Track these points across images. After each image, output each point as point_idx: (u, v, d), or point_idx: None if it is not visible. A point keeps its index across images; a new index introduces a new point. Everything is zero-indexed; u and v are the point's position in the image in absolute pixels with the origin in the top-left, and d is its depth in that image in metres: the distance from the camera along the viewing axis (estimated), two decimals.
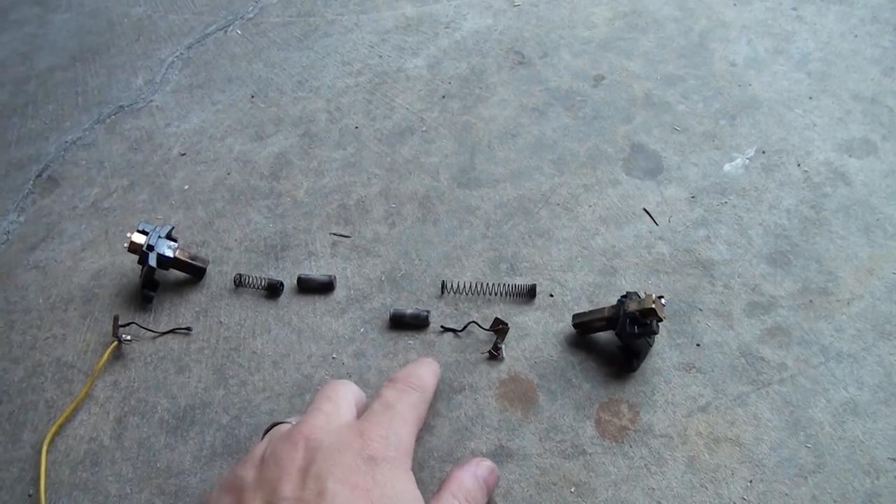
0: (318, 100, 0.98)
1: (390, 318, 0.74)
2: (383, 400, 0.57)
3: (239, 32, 1.10)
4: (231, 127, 0.95)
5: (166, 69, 1.05)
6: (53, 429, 0.67)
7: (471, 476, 0.58)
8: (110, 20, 1.14)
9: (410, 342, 0.73)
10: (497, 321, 0.72)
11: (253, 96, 0.99)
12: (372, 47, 1.05)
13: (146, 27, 1.12)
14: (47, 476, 0.65)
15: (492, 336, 0.72)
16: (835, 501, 0.60)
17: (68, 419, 0.69)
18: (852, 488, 0.61)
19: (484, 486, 0.58)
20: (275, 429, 0.57)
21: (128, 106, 1.00)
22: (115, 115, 0.99)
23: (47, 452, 0.66)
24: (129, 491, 0.64)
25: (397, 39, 1.06)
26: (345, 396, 0.58)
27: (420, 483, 0.62)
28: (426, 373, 0.62)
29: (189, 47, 1.08)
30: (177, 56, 1.07)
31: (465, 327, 0.73)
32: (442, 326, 0.74)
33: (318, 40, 1.07)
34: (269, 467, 0.51)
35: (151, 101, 1.00)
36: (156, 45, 1.09)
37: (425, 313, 0.74)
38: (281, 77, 1.02)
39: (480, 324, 0.72)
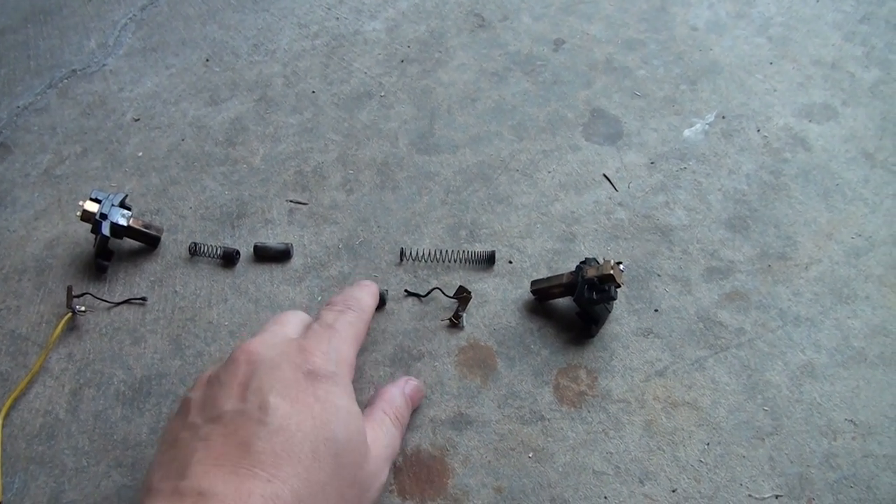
0: (274, 64, 0.96)
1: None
2: (323, 321, 0.59)
3: None
4: (185, 91, 0.93)
5: (119, 31, 1.02)
6: (8, 402, 0.66)
7: (400, 393, 0.61)
8: None
9: None
10: (461, 289, 0.71)
11: (207, 60, 0.97)
12: (329, 9, 1.03)
13: None
14: (3, 450, 0.64)
15: (451, 303, 0.72)
16: (792, 462, 0.61)
17: (23, 392, 0.68)
18: (809, 449, 0.62)
19: (410, 403, 0.62)
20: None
21: (80, 70, 0.97)
22: (67, 79, 0.96)
23: (2, 426, 0.65)
24: (86, 464, 0.63)
25: (355, 1, 1.04)
26: (291, 321, 0.59)
27: None
28: (364, 294, 0.64)
29: (143, 9, 1.05)
30: (130, 18, 1.04)
31: (429, 293, 0.72)
32: (406, 291, 0.73)
33: (274, 2, 1.05)
34: (212, 385, 0.52)
35: (104, 64, 0.98)
36: (109, 6, 1.06)
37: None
38: (236, 40, 1.00)
39: (444, 290, 0.72)
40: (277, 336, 0.56)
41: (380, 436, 0.56)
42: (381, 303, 0.66)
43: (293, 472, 0.46)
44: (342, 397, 0.52)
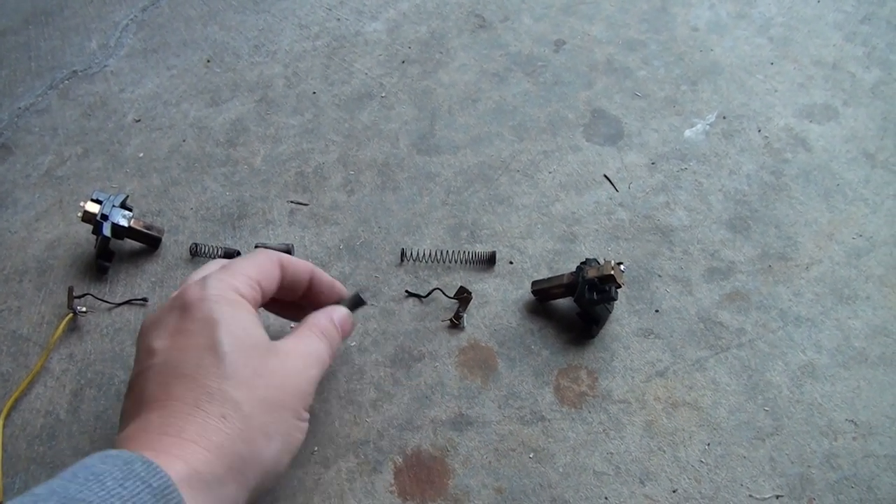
0: (275, 64, 0.96)
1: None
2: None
3: None
4: (186, 92, 0.93)
5: (121, 32, 1.02)
6: (9, 403, 0.66)
7: (326, 317, 0.60)
8: None
9: (370, 310, 0.72)
10: (461, 289, 0.71)
11: (209, 61, 0.97)
12: (330, 10, 1.03)
13: None
14: (4, 450, 0.64)
15: (452, 303, 0.72)
16: (792, 463, 0.61)
17: (24, 393, 0.68)
18: (810, 450, 0.62)
19: (339, 328, 0.60)
20: None
21: (81, 71, 0.97)
22: (68, 80, 0.96)
23: (3, 427, 0.65)
24: None
25: (356, 2, 1.04)
26: (244, 269, 0.58)
27: (379, 451, 0.63)
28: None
29: (144, 10, 1.05)
30: (131, 19, 1.04)
31: (430, 294, 0.72)
32: (407, 291, 0.73)
33: (275, 3, 1.05)
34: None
35: (106, 65, 0.98)
36: (110, 7, 1.06)
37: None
38: (237, 41, 1.00)
39: (444, 291, 0.72)
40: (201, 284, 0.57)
41: (301, 343, 0.56)
42: (359, 303, 0.65)
43: (182, 387, 0.48)
44: (223, 309, 0.52)
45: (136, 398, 0.50)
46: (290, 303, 0.65)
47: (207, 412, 0.47)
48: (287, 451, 0.52)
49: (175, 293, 0.56)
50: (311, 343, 0.57)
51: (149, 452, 0.44)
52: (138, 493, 0.41)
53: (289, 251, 0.75)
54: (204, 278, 0.55)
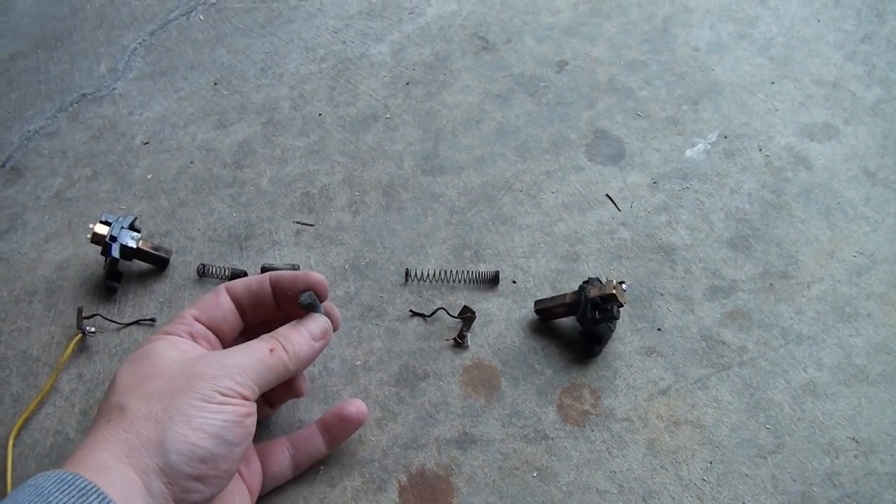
0: (281, 87, 0.97)
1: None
2: None
3: (202, 18, 1.09)
4: (194, 115, 0.95)
5: (129, 56, 1.04)
6: (19, 422, 0.67)
7: (293, 329, 0.59)
8: (73, 5, 1.13)
9: (375, 330, 0.73)
10: (465, 309, 0.72)
11: (216, 83, 0.98)
12: (335, 33, 1.04)
13: (108, 13, 1.11)
14: (14, 470, 0.65)
15: (456, 323, 0.73)
16: (794, 481, 0.61)
17: (34, 412, 0.69)
18: (812, 468, 0.62)
19: (309, 340, 0.59)
20: None
21: (90, 94, 0.99)
22: (77, 103, 0.98)
23: (13, 446, 0.66)
24: None
25: (361, 25, 1.05)
26: (183, 312, 0.61)
27: (383, 470, 0.63)
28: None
29: (152, 33, 1.07)
30: (139, 43, 1.05)
31: (434, 313, 0.73)
32: (411, 311, 0.74)
33: (282, 26, 1.06)
34: None
35: (114, 88, 0.99)
36: (118, 31, 1.08)
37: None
38: (244, 64, 1.01)
39: (448, 311, 0.73)
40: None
41: (241, 351, 0.55)
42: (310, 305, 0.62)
43: (98, 415, 0.52)
44: (135, 353, 0.56)
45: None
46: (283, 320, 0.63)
47: (97, 423, 0.51)
48: (199, 429, 0.50)
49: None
50: (246, 346, 0.57)
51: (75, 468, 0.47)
52: None
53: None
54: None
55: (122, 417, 0.50)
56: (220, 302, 0.61)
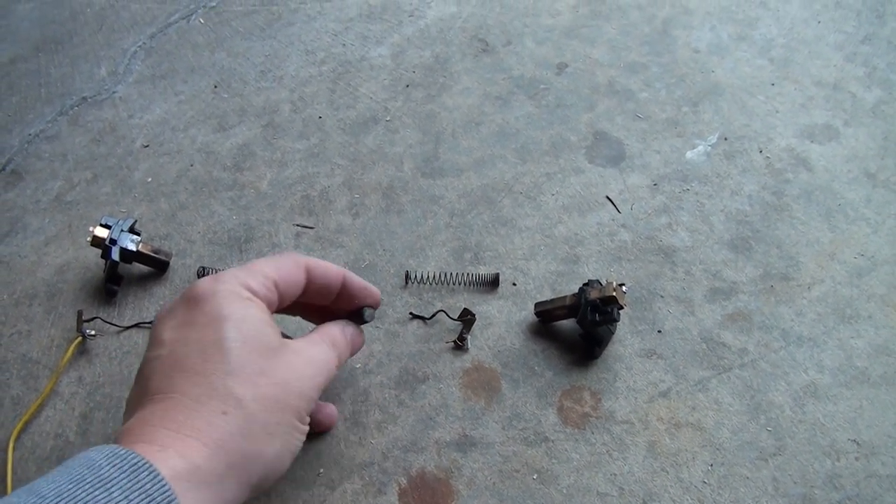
0: (281, 90, 0.97)
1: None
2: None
3: (202, 21, 1.09)
4: (194, 118, 0.95)
5: (129, 59, 1.04)
6: (19, 425, 0.67)
7: (339, 329, 0.60)
8: (73, 9, 1.13)
9: (374, 332, 0.73)
10: (465, 311, 0.72)
11: (216, 86, 0.98)
12: (335, 36, 1.04)
13: (109, 16, 1.11)
14: (14, 473, 0.65)
15: (456, 325, 0.72)
16: (795, 483, 0.61)
17: (34, 416, 0.69)
18: (813, 470, 0.62)
19: (349, 342, 0.60)
20: None
21: (91, 97, 0.99)
22: (78, 106, 0.98)
23: (13, 449, 0.66)
24: None
25: (361, 28, 1.05)
26: (262, 268, 0.57)
27: (383, 473, 0.63)
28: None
29: (152, 37, 1.07)
30: (139, 46, 1.06)
31: (434, 316, 0.73)
32: (411, 313, 0.74)
33: (282, 29, 1.06)
34: None
35: (115, 92, 0.99)
36: (119, 34, 1.08)
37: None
38: (244, 67, 1.01)
39: (448, 313, 0.73)
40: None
41: (311, 348, 0.56)
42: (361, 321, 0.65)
43: (185, 380, 0.48)
44: (232, 305, 0.52)
45: (141, 388, 0.51)
46: (321, 307, 0.64)
47: (209, 407, 0.47)
48: (288, 451, 0.51)
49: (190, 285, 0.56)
50: (320, 349, 0.56)
51: (148, 446, 0.44)
52: None
53: None
54: (219, 274, 0.55)
55: (243, 418, 0.48)
56: (299, 280, 0.58)
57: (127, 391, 0.69)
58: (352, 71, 0.99)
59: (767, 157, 0.84)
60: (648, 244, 0.78)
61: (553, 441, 0.65)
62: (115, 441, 0.47)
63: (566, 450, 0.64)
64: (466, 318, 0.72)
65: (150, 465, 0.43)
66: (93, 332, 0.73)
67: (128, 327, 0.74)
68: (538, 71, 0.97)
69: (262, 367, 0.50)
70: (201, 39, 1.06)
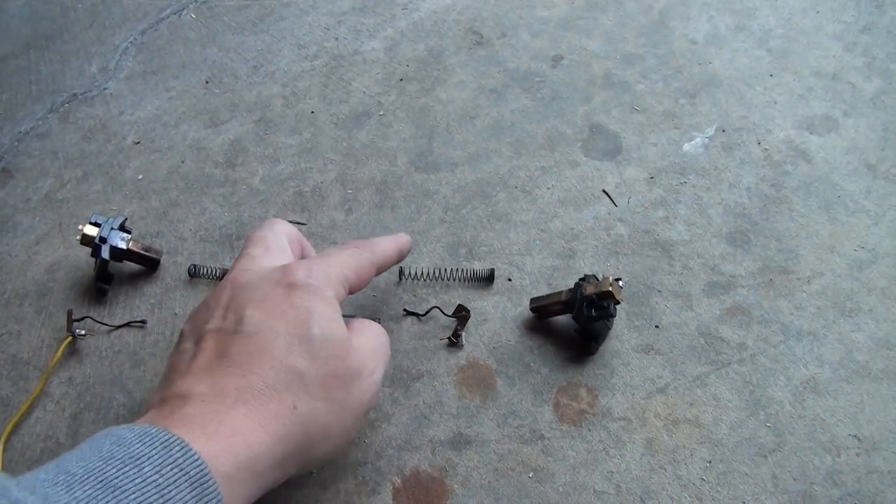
0: (273, 84, 0.96)
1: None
2: (322, 252, 0.61)
3: (193, 16, 1.08)
4: (185, 114, 0.94)
5: (120, 55, 1.03)
6: (9, 427, 0.66)
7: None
8: (64, 5, 1.12)
9: None
10: (460, 307, 0.71)
11: (207, 82, 0.97)
12: (328, 29, 1.03)
13: (100, 11, 1.10)
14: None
15: (451, 322, 0.72)
16: (795, 480, 0.60)
17: (24, 417, 0.68)
18: (813, 466, 0.61)
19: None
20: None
21: (81, 94, 0.98)
22: (68, 103, 0.97)
23: (3, 451, 0.65)
24: None
25: (354, 21, 1.04)
26: (276, 238, 0.61)
27: (377, 472, 0.62)
28: (385, 240, 0.66)
29: (143, 32, 1.06)
30: (130, 42, 1.04)
31: (428, 312, 0.72)
32: (405, 310, 0.73)
33: (274, 23, 1.05)
34: (199, 312, 0.56)
35: (105, 88, 0.98)
36: (110, 30, 1.07)
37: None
38: (236, 62, 1.00)
39: (443, 309, 0.72)
40: (263, 261, 0.58)
41: (365, 337, 0.57)
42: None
43: (267, 366, 0.49)
44: (319, 303, 0.53)
45: (212, 352, 0.51)
46: None
47: (282, 399, 0.49)
48: (336, 453, 0.54)
49: (275, 257, 0.59)
50: (373, 335, 0.58)
51: (217, 426, 0.45)
52: (175, 481, 0.41)
53: None
54: (311, 264, 0.56)
55: (310, 416, 0.50)
56: (367, 280, 0.62)
57: (118, 392, 0.69)
58: (344, 65, 0.98)
59: (766, 148, 0.83)
60: (645, 238, 0.77)
61: (549, 439, 0.64)
62: (180, 406, 0.47)
63: (562, 447, 0.63)
64: (461, 315, 0.71)
65: (183, 441, 0.43)
66: (83, 332, 0.72)
67: (118, 326, 0.74)
68: (533, 63, 0.96)
69: (336, 369, 0.52)
70: (192, 34, 1.05)
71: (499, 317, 0.72)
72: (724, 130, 0.85)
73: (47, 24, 1.09)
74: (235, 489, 0.45)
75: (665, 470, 0.61)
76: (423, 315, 0.72)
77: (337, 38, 1.02)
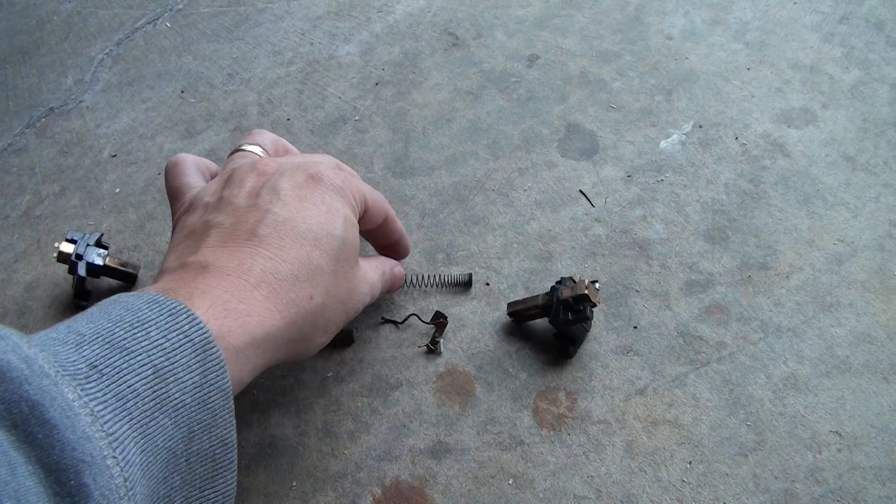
0: (249, 92, 0.96)
1: None
2: None
3: (168, 25, 1.07)
4: (161, 125, 0.93)
5: (96, 67, 1.02)
6: None
7: (391, 265, 0.68)
8: (40, 17, 1.11)
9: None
10: (437, 314, 0.71)
11: (183, 91, 0.97)
12: (303, 35, 1.03)
13: (76, 24, 1.09)
14: None
15: (429, 329, 0.71)
16: (776, 478, 0.60)
17: None
18: (794, 464, 0.61)
19: (390, 279, 0.68)
20: (235, 155, 0.64)
21: (58, 108, 0.97)
22: (45, 117, 0.96)
23: None
24: None
25: (329, 25, 1.04)
26: (363, 189, 0.63)
27: (357, 484, 0.62)
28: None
29: (118, 43, 1.05)
30: (106, 53, 1.04)
31: (406, 320, 0.72)
32: (382, 318, 0.73)
33: (249, 30, 1.04)
34: (228, 186, 0.57)
35: (82, 101, 0.98)
36: (85, 42, 1.06)
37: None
38: (211, 70, 0.99)
39: (420, 316, 0.71)
40: (282, 158, 0.61)
41: (371, 273, 0.63)
42: (349, 340, 0.71)
43: (294, 254, 0.52)
44: (345, 207, 0.57)
45: (239, 228, 0.53)
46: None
47: (302, 288, 0.52)
48: (321, 346, 0.57)
49: (288, 150, 0.68)
50: (376, 276, 0.63)
51: (238, 303, 0.48)
52: (180, 346, 0.43)
53: None
54: (339, 168, 0.61)
55: (319, 309, 0.54)
56: (376, 223, 0.66)
57: None
58: (320, 70, 0.97)
59: (743, 143, 0.83)
60: (623, 238, 0.76)
61: (528, 444, 0.64)
62: (202, 274, 0.49)
63: (542, 453, 0.63)
64: (439, 321, 0.70)
65: (188, 310, 0.44)
66: None
67: None
68: (509, 63, 0.95)
69: (346, 273, 0.56)
70: (168, 44, 1.04)
71: (477, 322, 0.72)
72: (701, 126, 0.85)
73: (23, 38, 1.08)
74: (241, 363, 0.47)
75: (645, 472, 0.61)
76: (401, 322, 0.72)
77: (312, 44, 1.01)
